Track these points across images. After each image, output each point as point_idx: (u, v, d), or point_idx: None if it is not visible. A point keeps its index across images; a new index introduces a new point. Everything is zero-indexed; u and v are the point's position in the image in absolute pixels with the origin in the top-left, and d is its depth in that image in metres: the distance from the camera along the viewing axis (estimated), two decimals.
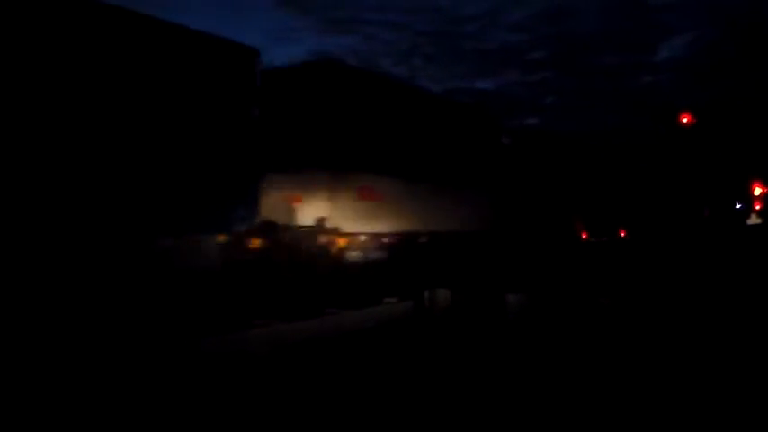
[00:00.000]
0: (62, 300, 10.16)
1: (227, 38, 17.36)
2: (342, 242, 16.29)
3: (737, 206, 42.46)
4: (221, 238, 14.09)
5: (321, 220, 16.54)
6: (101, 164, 12.94)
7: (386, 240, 17.26)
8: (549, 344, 11.39)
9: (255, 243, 14.62)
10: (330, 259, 15.73)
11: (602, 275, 20.37)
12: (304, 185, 16.97)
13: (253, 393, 8.15)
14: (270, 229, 15.04)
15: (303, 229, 16.21)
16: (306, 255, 15.22)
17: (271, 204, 15.83)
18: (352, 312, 13.28)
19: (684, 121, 34.98)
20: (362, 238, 16.80)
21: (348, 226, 16.78)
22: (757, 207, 40.55)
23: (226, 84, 16.31)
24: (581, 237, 30.29)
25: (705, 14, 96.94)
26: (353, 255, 16.35)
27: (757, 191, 40.85)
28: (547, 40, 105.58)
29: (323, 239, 15.99)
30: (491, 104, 77.01)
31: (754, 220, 38.60)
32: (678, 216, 36.30)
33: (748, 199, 41.89)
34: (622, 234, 33.44)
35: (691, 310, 14.42)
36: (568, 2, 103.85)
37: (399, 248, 17.39)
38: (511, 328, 13.10)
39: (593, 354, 10.50)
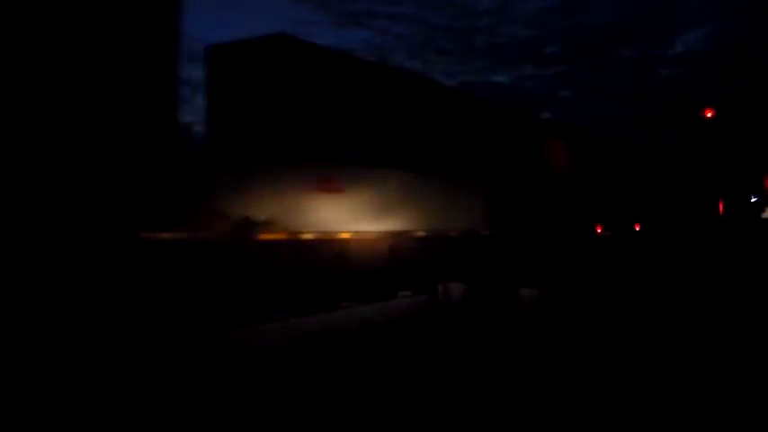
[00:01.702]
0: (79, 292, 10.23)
1: None
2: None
3: (753, 199, 42.21)
4: None
5: None
6: None
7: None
8: (562, 339, 11.40)
9: None
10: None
11: (618, 270, 20.33)
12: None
13: (267, 387, 8.23)
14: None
15: None
16: None
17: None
18: (367, 306, 13.32)
19: (709, 115, 34.84)
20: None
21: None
22: None
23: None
24: (596, 230, 30.18)
25: (721, 7, 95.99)
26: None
27: None
28: (561, 33, 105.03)
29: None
30: (506, 98, 76.79)
31: None
32: (693, 209, 36.11)
33: (763, 192, 41.62)
34: (637, 228, 33.30)
35: (705, 305, 14.38)
36: None
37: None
38: (524, 323, 13.12)
39: (606, 349, 10.50)
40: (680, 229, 33.45)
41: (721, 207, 37.94)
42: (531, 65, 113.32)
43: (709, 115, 38.49)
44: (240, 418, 7.03)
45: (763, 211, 39.59)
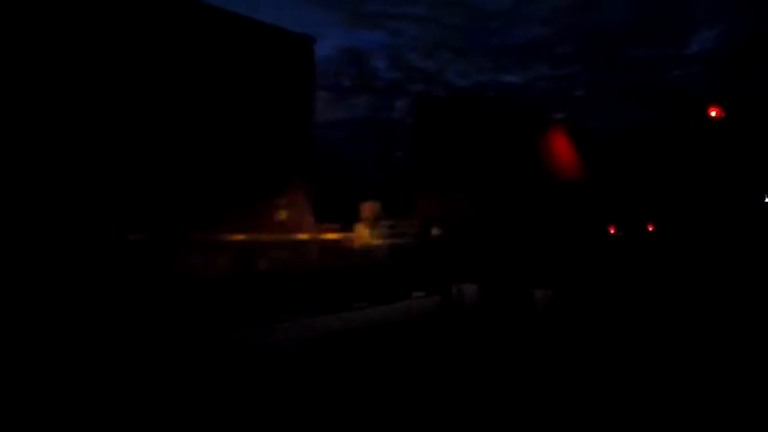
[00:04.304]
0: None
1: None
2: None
3: (767, 200, 41.90)
4: None
5: None
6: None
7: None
8: (575, 339, 11.40)
9: None
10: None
11: (630, 270, 20.25)
12: None
13: (281, 385, 8.29)
14: None
15: None
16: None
17: None
18: (381, 306, 13.36)
19: (713, 114, 34.66)
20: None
21: None
22: None
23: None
24: (609, 231, 30.13)
25: (734, 7, 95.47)
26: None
27: None
28: (575, 33, 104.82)
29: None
30: (519, 98, 76.76)
31: None
32: (707, 209, 35.92)
33: None
34: (650, 228, 33.20)
35: (719, 303, 14.32)
36: None
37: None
38: (538, 323, 13.12)
39: (619, 348, 10.50)
40: (694, 229, 33.29)
41: (735, 206, 37.72)
42: (544, 65, 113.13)
43: (722, 115, 38.28)
44: (253, 417, 7.10)
45: None
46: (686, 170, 35.37)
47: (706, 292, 16.15)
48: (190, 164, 15.01)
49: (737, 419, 7.05)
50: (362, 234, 28.00)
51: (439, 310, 14.52)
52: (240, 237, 16.87)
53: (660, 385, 8.29)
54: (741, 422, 7.00)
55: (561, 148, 25.79)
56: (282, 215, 19.28)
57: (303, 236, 19.38)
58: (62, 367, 8.19)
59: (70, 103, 12.42)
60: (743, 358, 9.66)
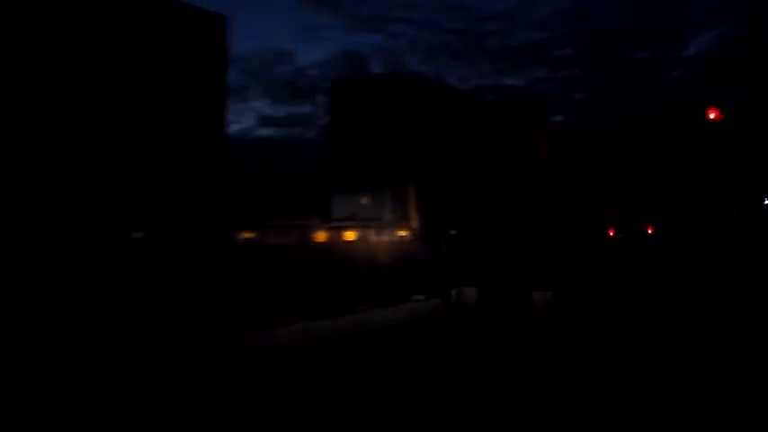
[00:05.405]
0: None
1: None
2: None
3: (767, 202, 41.89)
4: None
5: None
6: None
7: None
8: (574, 341, 11.46)
9: None
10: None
11: (631, 273, 20.31)
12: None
13: (281, 389, 8.37)
14: None
15: None
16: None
17: None
18: (381, 310, 13.43)
19: (712, 116, 34.73)
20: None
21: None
22: None
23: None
24: (608, 233, 30.16)
25: (734, 10, 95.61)
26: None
27: None
28: (574, 36, 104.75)
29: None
30: (519, 101, 76.77)
31: None
32: (706, 212, 35.95)
33: None
34: (650, 230, 33.24)
35: (718, 305, 14.37)
36: None
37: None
38: (537, 326, 13.19)
39: (618, 351, 10.56)
40: (693, 232, 33.33)
41: (734, 210, 37.78)
42: (543, 68, 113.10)
43: (720, 117, 38.38)
44: (253, 419, 7.18)
45: None
46: (685, 172, 35.43)
47: (705, 293, 16.20)
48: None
49: (736, 421, 7.13)
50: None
51: (439, 312, 14.59)
52: None
53: (657, 386, 8.36)
54: (740, 423, 7.08)
55: (557, 150, 25.93)
56: None
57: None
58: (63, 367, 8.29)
59: None
60: (741, 360, 9.73)
